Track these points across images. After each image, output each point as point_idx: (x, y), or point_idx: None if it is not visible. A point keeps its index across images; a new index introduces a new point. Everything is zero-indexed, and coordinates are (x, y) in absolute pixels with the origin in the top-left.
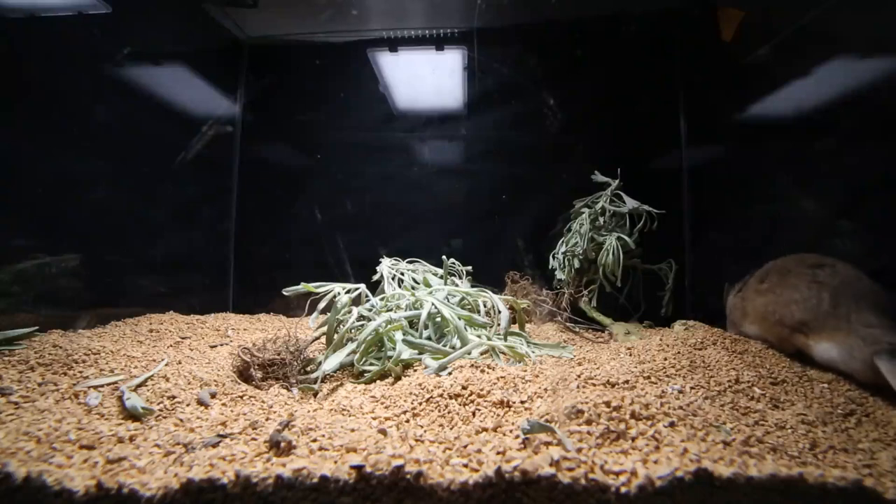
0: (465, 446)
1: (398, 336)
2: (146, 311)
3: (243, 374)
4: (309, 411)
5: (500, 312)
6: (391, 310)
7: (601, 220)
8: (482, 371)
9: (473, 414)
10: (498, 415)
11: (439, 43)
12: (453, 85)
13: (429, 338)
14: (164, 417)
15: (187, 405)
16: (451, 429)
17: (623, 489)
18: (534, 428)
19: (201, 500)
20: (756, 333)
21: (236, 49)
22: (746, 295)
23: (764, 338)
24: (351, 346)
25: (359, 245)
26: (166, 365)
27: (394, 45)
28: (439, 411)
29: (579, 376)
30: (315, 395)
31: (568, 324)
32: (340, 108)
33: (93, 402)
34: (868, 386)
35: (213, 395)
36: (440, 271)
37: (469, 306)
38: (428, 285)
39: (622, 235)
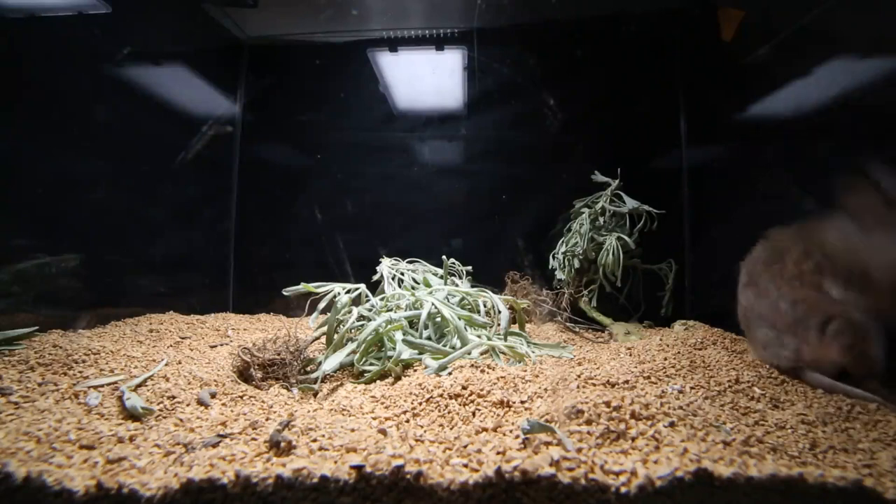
0: (465, 446)
1: (398, 336)
2: (146, 311)
3: (243, 374)
4: (309, 411)
5: (500, 312)
6: (391, 310)
7: (601, 220)
8: (482, 371)
9: (473, 414)
10: (498, 415)
11: (439, 43)
12: (453, 85)
13: (429, 338)
14: (164, 417)
15: (187, 405)
16: (451, 429)
17: (623, 489)
18: (534, 428)
19: (201, 500)
20: None
21: (236, 49)
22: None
23: None
24: (351, 346)
25: (359, 245)
26: (166, 365)
27: (394, 45)
28: (439, 411)
29: (579, 376)
30: (315, 395)
31: (568, 324)
32: (340, 108)
33: (93, 402)
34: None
35: (213, 395)
36: (440, 271)
37: (469, 306)
38: (428, 285)
39: (622, 235)
